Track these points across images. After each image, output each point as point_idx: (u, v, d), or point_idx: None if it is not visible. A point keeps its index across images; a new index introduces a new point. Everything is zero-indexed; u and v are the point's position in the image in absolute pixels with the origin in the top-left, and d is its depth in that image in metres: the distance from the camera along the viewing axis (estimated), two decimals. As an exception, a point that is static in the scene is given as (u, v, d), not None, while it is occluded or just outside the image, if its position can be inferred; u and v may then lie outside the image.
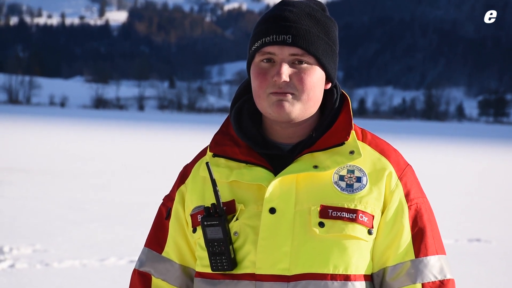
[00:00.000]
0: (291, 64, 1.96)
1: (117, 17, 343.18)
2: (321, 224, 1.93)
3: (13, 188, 15.66)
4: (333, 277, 1.93)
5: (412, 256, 1.98)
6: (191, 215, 2.03)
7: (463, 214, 14.62)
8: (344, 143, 1.99)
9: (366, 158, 2.02)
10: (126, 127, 51.24)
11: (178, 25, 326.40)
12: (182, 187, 2.10)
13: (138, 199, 14.22)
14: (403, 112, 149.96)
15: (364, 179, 1.98)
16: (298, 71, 1.95)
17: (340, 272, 1.94)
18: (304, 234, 1.93)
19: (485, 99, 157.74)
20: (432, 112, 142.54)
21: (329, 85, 2.05)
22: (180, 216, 2.09)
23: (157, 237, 2.13)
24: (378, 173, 2.00)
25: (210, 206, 1.97)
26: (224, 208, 1.97)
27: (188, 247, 2.10)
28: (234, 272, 1.96)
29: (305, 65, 1.96)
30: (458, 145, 43.71)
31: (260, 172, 1.98)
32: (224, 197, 2.00)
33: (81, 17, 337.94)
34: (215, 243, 1.96)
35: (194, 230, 2.02)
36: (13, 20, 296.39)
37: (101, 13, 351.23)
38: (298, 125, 2.01)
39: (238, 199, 2.00)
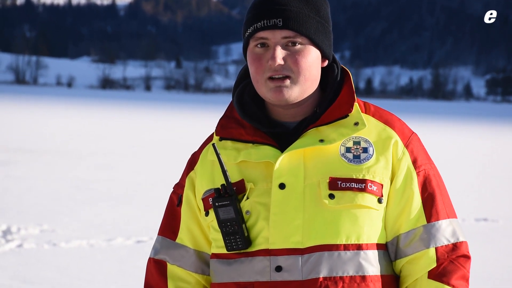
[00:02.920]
0: (285, 47, 1.99)
1: None
2: (331, 196, 1.96)
3: (20, 168, 15.71)
4: (346, 247, 1.97)
5: (424, 222, 2.01)
6: (203, 199, 2.07)
7: (470, 194, 14.63)
8: (348, 115, 2.02)
9: (371, 129, 2.05)
10: (133, 107, 51.35)
11: (184, 5, 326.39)
12: (192, 173, 2.14)
13: (145, 179, 14.30)
14: (410, 92, 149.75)
15: (370, 149, 2.01)
16: (292, 53, 1.98)
17: (353, 242, 1.97)
18: (315, 206, 1.97)
19: (493, 78, 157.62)
20: (439, 91, 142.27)
21: (326, 63, 2.07)
22: (192, 202, 2.13)
23: (170, 225, 2.17)
24: (384, 142, 2.02)
25: (220, 187, 2.01)
26: (234, 188, 2.01)
27: (201, 232, 2.13)
28: (249, 250, 1.99)
29: (298, 46, 1.99)
30: (465, 125, 43.67)
31: (267, 150, 2.01)
32: (234, 178, 2.03)
33: None
34: (228, 223, 1.99)
35: (207, 214, 2.06)
36: (20, 0, 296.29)
37: None
38: (300, 104, 2.04)
39: (247, 179, 2.03)
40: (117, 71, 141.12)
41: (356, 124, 2.00)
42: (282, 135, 2.04)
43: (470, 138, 32.66)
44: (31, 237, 8.95)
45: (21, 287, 6.86)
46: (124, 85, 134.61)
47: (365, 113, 2.08)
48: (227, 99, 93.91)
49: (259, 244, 1.99)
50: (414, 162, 2.04)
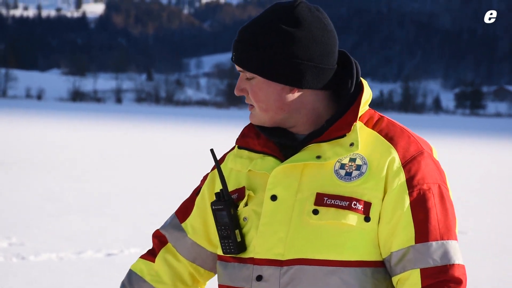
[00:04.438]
0: (247, 79, 2.05)
1: (94, 9, 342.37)
2: (315, 212, 1.98)
3: None
4: (326, 262, 1.98)
5: (413, 242, 1.99)
6: (211, 203, 2.16)
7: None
8: (346, 135, 2.02)
9: (371, 145, 2.05)
10: (103, 120, 51.32)
11: (155, 18, 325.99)
12: (215, 171, 2.22)
13: (115, 191, 14.26)
14: (380, 105, 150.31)
15: (364, 167, 2.01)
16: (250, 85, 2.04)
17: (332, 258, 1.97)
18: (300, 221, 1.99)
19: (462, 91, 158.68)
20: (409, 104, 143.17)
21: (296, 92, 2.05)
22: (205, 197, 2.20)
23: (185, 208, 2.25)
24: (380, 161, 2.02)
25: (219, 191, 2.08)
26: (236, 194, 2.08)
27: (203, 227, 2.20)
28: (241, 255, 2.04)
29: (253, 80, 2.03)
30: (435, 138, 43.91)
31: (270, 161, 2.05)
32: (239, 183, 2.11)
33: (58, 9, 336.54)
34: (223, 227, 2.05)
35: (213, 212, 2.14)
36: None
37: (78, 5, 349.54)
38: (292, 125, 2.07)
39: (249, 187, 2.08)
40: (87, 84, 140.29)
41: (351, 145, 2.01)
42: (290, 147, 2.08)
43: (440, 150, 32.73)
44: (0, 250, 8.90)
45: None
46: (95, 97, 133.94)
47: (372, 128, 2.07)
48: (198, 111, 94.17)
49: (250, 252, 2.03)
50: (409, 181, 2.01)
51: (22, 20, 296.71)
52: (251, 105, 2.08)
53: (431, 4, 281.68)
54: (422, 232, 2.00)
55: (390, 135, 2.05)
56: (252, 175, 2.10)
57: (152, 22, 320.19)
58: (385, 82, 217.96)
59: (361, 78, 2.10)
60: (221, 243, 2.08)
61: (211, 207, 2.09)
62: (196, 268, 2.23)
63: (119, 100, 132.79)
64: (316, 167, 2.03)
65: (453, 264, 2.00)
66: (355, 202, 1.98)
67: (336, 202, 1.98)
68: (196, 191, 2.27)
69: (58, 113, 60.69)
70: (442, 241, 2.00)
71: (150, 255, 2.25)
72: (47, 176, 16.68)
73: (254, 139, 2.12)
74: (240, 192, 2.09)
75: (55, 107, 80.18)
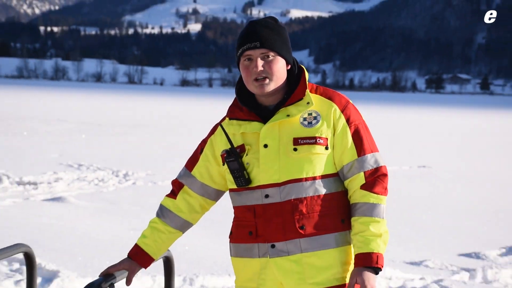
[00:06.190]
0: (262, 58, 1.97)
1: (195, 27, 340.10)
2: (295, 149, 1.96)
3: (135, 136, 15.15)
4: (306, 179, 1.96)
5: (356, 156, 1.99)
6: (221, 156, 2.05)
7: (414, 148, 14.38)
8: (302, 98, 1.99)
9: (319, 103, 2.01)
10: (200, 98, 50.89)
11: (233, 32, 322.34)
12: (212, 137, 2.11)
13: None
14: (377, 87, 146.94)
15: (318, 117, 1.99)
16: (267, 62, 1.97)
17: (310, 175, 1.96)
18: (286, 157, 1.97)
19: (430, 78, 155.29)
20: (396, 86, 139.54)
21: (289, 66, 2.03)
22: (207, 154, 2.10)
23: (192, 162, 2.13)
24: (327, 111, 1.99)
25: (228, 149, 2.01)
26: (238, 149, 2.01)
27: (207, 173, 2.10)
28: (249, 186, 2.00)
29: (270, 58, 1.97)
30: (413, 106, 43.40)
31: (256, 124, 2.01)
32: (238, 142, 2.03)
33: (172, 28, 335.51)
34: (235, 171, 1.99)
35: (223, 164, 2.04)
36: (130, 31, 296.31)
37: (185, 25, 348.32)
38: (274, 93, 2.01)
39: (246, 143, 2.02)
40: (190, 75, 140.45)
41: (308, 103, 1.99)
42: (266, 114, 2.02)
43: (415, 114, 32.27)
44: (141, 178, 8.93)
45: (135, 210, 6.77)
46: (195, 83, 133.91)
47: (315, 93, 2.04)
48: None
49: (256, 182, 1.99)
50: (348, 120, 2.00)
51: (151, 35, 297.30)
52: (263, 78, 1.98)
53: (411, 22, 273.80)
54: (360, 149, 1.99)
55: (328, 95, 2.03)
56: (245, 135, 2.03)
57: (231, 35, 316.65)
58: (381, 72, 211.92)
59: (300, 65, 2.07)
60: (235, 181, 2.01)
61: (225, 161, 2.01)
62: (204, 200, 2.12)
63: (210, 85, 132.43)
64: (287, 122, 1.99)
65: (381, 166, 2.01)
66: (318, 139, 1.96)
67: (307, 141, 1.96)
68: (199, 151, 2.14)
69: (173, 94, 60.71)
70: (372, 153, 2.01)
71: (173, 195, 2.13)
72: (169, 134, 16.40)
73: (239, 112, 2.04)
74: (241, 148, 2.02)
75: (171, 90, 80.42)
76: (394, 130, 20.00)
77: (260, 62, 1.97)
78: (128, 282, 2.07)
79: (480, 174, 10.67)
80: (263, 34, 1.97)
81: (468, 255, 5.33)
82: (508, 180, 10.33)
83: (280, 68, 1.98)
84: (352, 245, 1.99)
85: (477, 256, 5.28)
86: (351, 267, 1.98)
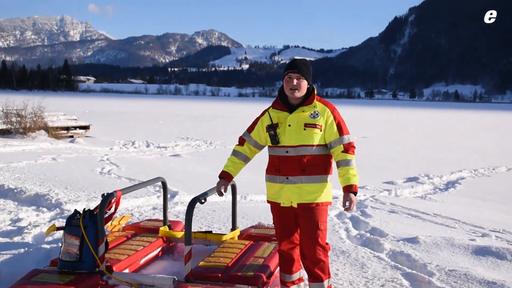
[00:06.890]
0: (296, 78, 2.33)
1: (245, 66, 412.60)
2: (305, 129, 2.31)
3: (214, 123, 17.60)
4: (308, 145, 2.28)
5: (338, 136, 2.34)
6: (266, 127, 2.44)
7: (360, 128, 16.53)
8: (312, 103, 2.35)
9: (319, 107, 2.36)
10: (249, 103, 45.61)
11: (265, 69, 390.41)
12: (262, 117, 2.45)
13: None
14: (341, 96, 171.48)
15: (319, 114, 2.32)
16: (298, 81, 2.32)
17: (311, 143, 2.30)
18: (300, 132, 2.31)
19: (367, 91, 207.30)
20: (350, 95, 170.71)
21: (308, 85, 2.40)
22: (259, 125, 2.47)
23: (251, 128, 2.48)
24: (323, 111, 2.35)
25: (270, 124, 2.37)
26: (275, 125, 2.37)
27: (258, 135, 2.46)
28: (279, 145, 2.34)
29: (300, 79, 2.32)
30: (360, 108, 46.22)
31: (285, 113, 2.35)
32: (275, 121, 2.39)
33: (234, 67, 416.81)
34: (272, 134, 2.36)
35: (266, 132, 2.43)
36: (213, 68, 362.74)
37: (240, 65, 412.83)
38: (298, 99, 2.37)
39: (279, 122, 2.37)
40: (243, 91, 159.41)
41: (314, 106, 2.33)
42: (291, 108, 2.37)
43: (360, 111, 35.70)
44: (218, 144, 10.61)
45: (216, 161, 7.69)
46: (246, 95, 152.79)
47: (319, 101, 2.40)
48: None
49: (282, 143, 2.32)
50: (334, 117, 2.36)
51: (223, 71, 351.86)
52: (295, 89, 2.28)
53: (357, 62, 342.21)
54: (341, 132, 2.34)
55: (324, 103, 2.40)
56: (279, 118, 2.35)
57: (264, 70, 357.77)
58: (341, 88, 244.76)
59: (313, 86, 2.44)
60: (271, 141, 2.33)
61: (267, 130, 2.34)
62: (255, 150, 2.50)
63: (253, 96, 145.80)
64: (302, 114, 2.30)
65: (351, 141, 2.38)
66: (317, 125, 2.31)
67: (311, 125, 2.30)
68: (255, 122, 2.44)
69: (235, 100, 62.76)
70: (347, 135, 2.38)
71: (240, 144, 2.48)
72: (233, 121, 19.00)
73: (278, 105, 2.38)
74: (276, 124, 2.34)
75: (234, 99, 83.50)
76: (352, 120, 22.49)
77: (295, 81, 2.31)
78: (221, 193, 2.42)
79: (394, 139, 13.08)
80: (299, 66, 2.34)
81: (387, 182, 6.70)
82: (407, 140, 12.62)
83: (304, 86, 2.33)
84: (339, 182, 2.34)
85: (392, 183, 6.74)
86: (326, 194, 2.38)
